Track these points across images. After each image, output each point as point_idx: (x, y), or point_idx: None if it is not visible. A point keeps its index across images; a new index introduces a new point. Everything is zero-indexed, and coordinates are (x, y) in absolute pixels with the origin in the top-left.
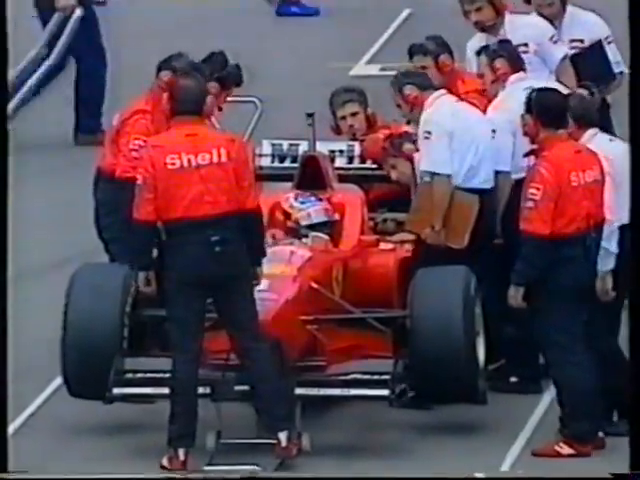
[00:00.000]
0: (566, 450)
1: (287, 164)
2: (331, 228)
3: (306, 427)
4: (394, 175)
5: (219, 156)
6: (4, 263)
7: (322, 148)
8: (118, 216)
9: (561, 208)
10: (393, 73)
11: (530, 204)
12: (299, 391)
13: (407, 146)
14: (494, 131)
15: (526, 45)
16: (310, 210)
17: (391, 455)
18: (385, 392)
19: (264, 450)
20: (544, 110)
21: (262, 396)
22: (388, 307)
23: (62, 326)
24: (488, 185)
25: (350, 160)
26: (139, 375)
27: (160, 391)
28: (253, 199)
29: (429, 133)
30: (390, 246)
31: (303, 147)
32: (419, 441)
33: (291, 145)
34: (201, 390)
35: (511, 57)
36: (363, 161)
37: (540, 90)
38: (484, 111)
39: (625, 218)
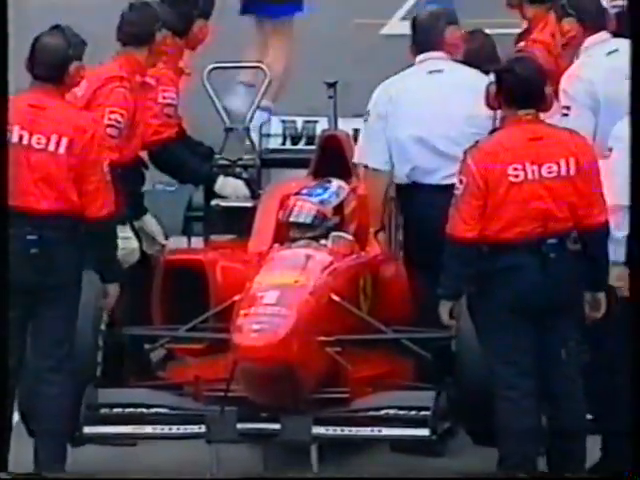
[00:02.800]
0: None
1: (302, 146)
2: (326, 230)
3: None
4: None
5: (57, 144)
6: (5, 263)
7: (345, 126)
8: None
9: (494, 208)
10: None
11: (452, 201)
12: (317, 430)
13: None
14: (568, 107)
15: None
16: (298, 204)
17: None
18: (425, 432)
19: None
20: (514, 83)
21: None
22: (428, 326)
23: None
24: None
25: None
26: (116, 411)
27: (142, 430)
28: (98, 209)
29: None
30: None
31: (322, 125)
32: None
33: (307, 122)
34: (195, 429)
35: (584, 15)
36: None
37: (513, 60)
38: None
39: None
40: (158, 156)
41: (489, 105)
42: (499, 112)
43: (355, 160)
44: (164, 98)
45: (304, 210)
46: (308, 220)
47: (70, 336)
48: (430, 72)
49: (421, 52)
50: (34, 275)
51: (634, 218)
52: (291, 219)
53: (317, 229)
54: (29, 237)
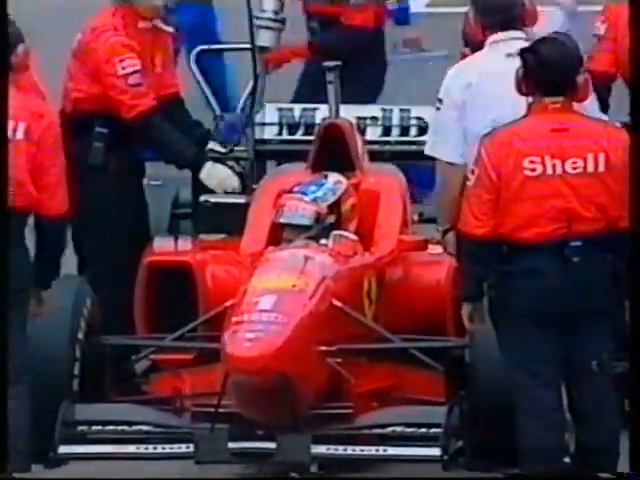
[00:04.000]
0: None
1: (299, 136)
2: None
3: None
4: None
5: (14, 131)
6: (4, 264)
7: (348, 114)
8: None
9: (507, 204)
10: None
11: (465, 193)
12: (316, 450)
13: None
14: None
15: None
16: (289, 204)
17: None
18: (435, 451)
19: None
20: (537, 67)
21: None
22: (439, 334)
23: None
24: None
25: (387, 131)
26: (95, 428)
27: (124, 450)
28: (60, 205)
29: None
30: (442, 249)
31: (322, 113)
32: None
33: (305, 110)
34: (182, 448)
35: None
36: (405, 131)
37: (539, 41)
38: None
39: None
40: (141, 130)
41: (520, 91)
42: (529, 99)
43: (427, 152)
44: (123, 68)
45: (297, 210)
46: (302, 221)
47: (21, 346)
48: (509, 55)
49: (494, 30)
50: None
51: (634, 219)
52: (282, 220)
53: (312, 229)
54: None
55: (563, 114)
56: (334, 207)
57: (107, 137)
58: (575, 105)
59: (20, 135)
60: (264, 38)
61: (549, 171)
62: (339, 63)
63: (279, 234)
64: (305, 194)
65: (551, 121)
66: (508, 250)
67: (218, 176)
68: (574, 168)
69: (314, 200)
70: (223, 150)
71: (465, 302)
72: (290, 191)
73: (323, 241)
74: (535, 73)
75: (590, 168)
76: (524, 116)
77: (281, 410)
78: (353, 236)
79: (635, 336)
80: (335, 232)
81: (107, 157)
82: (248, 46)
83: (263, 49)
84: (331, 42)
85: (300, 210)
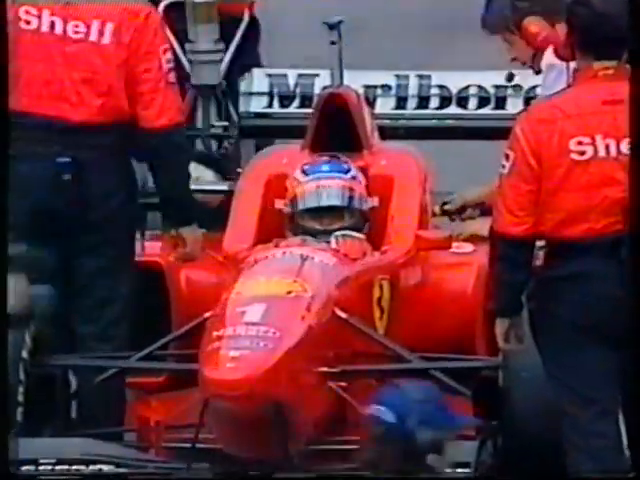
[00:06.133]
0: None
1: (294, 108)
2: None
3: None
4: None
5: (100, 32)
6: (4, 265)
7: (354, 82)
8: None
9: (551, 195)
10: None
11: (498, 185)
12: None
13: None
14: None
15: None
16: (316, 181)
17: None
18: None
19: None
20: (589, 22)
21: None
22: (466, 352)
23: None
24: None
25: (402, 102)
26: (44, 469)
27: None
28: (156, 116)
29: None
30: (470, 248)
31: (322, 80)
32: None
33: (301, 77)
34: None
35: None
36: (423, 102)
37: None
38: None
39: None
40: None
41: (559, 55)
42: (572, 65)
43: None
44: None
45: (332, 187)
46: (340, 201)
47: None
48: None
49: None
50: (67, 210)
51: (634, 220)
52: (311, 204)
53: (350, 215)
54: (59, 159)
55: (617, 82)
56: None
57: None
58: None
59: (107, 39)
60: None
61: (601, 153)
62: (342, 19)
63: (272, 227)
64: (337, 172)
65: (602, 91)
66: (551, 251)
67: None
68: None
69: (353, 178)
70: (199, 126)
71: (499, 317)
72: (304, 172)
73: (333, 239)
74: (586, 30)
75: None
76: (568, 86)
77: (272, 445)
78: (359, 234)
79: (635, 336)
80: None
81: None
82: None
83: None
84: None
85: (336, 187)
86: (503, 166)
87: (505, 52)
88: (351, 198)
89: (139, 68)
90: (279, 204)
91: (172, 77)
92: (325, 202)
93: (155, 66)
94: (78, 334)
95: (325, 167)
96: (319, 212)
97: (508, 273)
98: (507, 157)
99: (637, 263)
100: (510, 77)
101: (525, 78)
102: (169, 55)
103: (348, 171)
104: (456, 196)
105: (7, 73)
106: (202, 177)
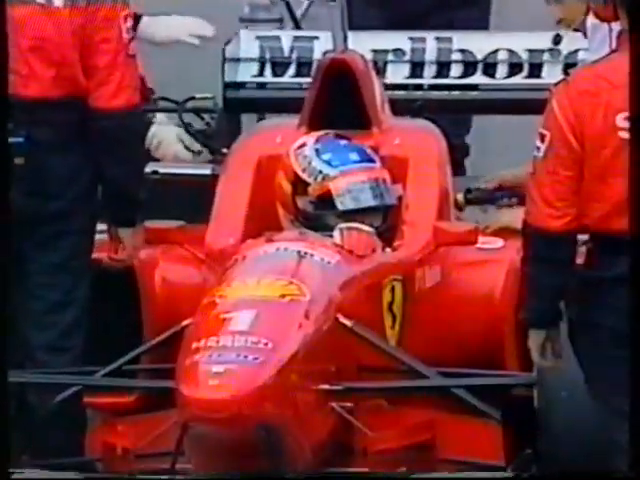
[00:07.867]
0: None
1: (289, 77)
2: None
3: None
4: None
5: None
6: (4, 268)
7: (360, 46)
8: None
9: (596, 181)
10: None
11: (532, 171)
12: None
13: None
14: None
15: None
16: (349, 175)
17: None
18: None
19: None
20: None
21: None
22: (494, 367)
23: None
24: None
25: (417, 69)
26: None
27: None
28: (112, 94)
29: None
30: (500, 243)
31: (322, 44)
32: None
33: (298, 39)
34: None
35: None
36: (444, 70)
37: None
38: None
39: None
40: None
41: (599, 16)
42: (615, 27)
43: None
44: None
45: (366, 182)
46: (380, 200)
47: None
48: None
49: None
50: (20, 198)
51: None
52: (350, 206)
53: (385, 210)
54: (11, 139)
55: None
56: None
57: None
58: None
59: (60, 2)
60: None
61: None
62: None
63: (265, 218)
64: (368, 161)
65: None
66: (596, 248)
67: (171, 145)
68: None
69: (381, 165)
70: (176, 100)
71: (533, 329)
72: (329, 163)
73: (336, 232)
74: None
75: None
76: (613, 51)
77: (263, 475)
78: (367, 227)
79: (635, 336)
80: (342, 225)
81: None
82: None
83: None
84: None
85: (369, 183)
86: (537, 148)
87: (550, 12)
88: (384, 192)
89: (96, 37)
90: (286, 187)
91: (132, 48)
92: (365, 203)
93: (114, 35)
94: (28, 344)
95: (353, 155)
96: (354, 214)
97: (544, 275)
98: (542, 137)
99: (637, 263)
100: (557, 40)
101: (572, 42)
102: (130, 23)
103: (372, 157)
104: (490, 177)
105: (7, 72)
106: (177, 155)
